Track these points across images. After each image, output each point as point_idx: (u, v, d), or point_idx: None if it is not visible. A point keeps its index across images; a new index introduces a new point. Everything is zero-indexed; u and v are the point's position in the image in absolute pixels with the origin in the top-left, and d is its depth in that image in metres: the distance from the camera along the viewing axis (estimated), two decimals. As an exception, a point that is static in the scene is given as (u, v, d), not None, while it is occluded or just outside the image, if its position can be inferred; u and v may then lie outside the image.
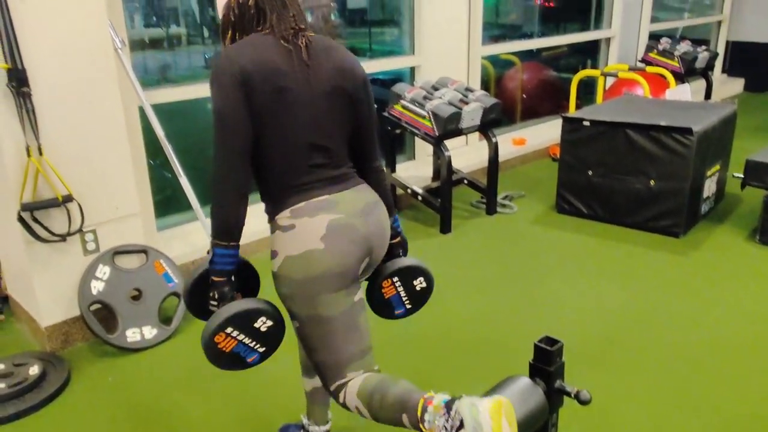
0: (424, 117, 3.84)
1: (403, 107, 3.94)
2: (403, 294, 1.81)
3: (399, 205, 4.35)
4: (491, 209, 4.26)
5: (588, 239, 3.81)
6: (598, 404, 2.31)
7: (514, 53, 5.79)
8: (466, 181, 4.35)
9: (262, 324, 1.54)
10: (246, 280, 1.69)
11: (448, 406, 1.39)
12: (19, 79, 2.41)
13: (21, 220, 2.51)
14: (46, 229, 2.59)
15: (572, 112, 5.13)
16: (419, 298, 1.86)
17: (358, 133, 1.69)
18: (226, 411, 2.36)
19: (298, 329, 1.62)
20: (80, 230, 2.68)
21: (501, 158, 4.94)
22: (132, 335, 2.76)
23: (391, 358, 2.64)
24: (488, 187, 4.23)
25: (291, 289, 1.55)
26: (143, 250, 2.90)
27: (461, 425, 1.35)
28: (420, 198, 4.05)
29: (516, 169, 5.23)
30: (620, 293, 3.15)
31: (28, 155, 2.49)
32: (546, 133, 5.74)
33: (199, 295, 1.61)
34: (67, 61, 2.56)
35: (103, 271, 2.77)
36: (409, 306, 1.85)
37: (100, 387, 2.53)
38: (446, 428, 1.37)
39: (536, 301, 3.11)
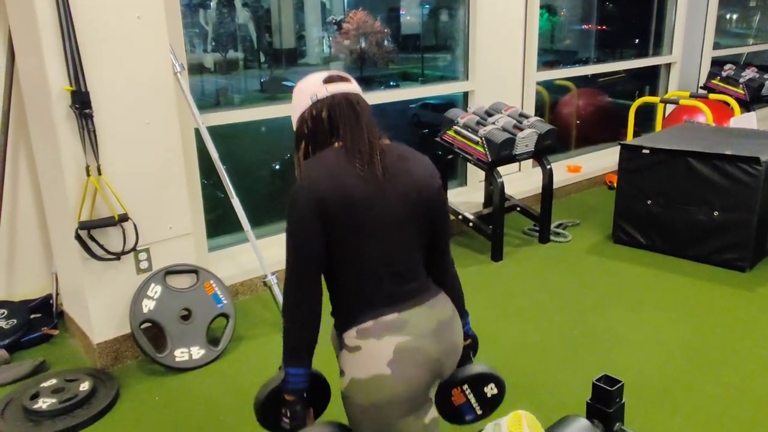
0: (477, 143, 3.79)
1: (456, 132, 3.90)
2: (473, 401, 1.74)
3: (450, 231, 4.29)
4: (544, 237, 4.15)
5: (646, 271, 3.66)
6: (658, 448, 2.18)
7: (569, 79, 5.69)
8: (518, 208, 4.26)
9: None
10: (317, 391, 1.67)
11: None
12: (82, 102, 2.48)
13: (78, 237, 2.56)
14: (101, 247, 2.64)
15: (630, 139, 5.00)
16: (491, 404, 1.77)
17: (435, 243, 1.64)
18: (270, 436, 2.33)
19: None
20: (134, 249, 2.72)
21: (555, 185, 4.85)
22: (180, 355, 2.77)
23: (439, 389, 2.56)
24: (542, 215, 4.13)
25: (357, 413, 1.51)
26: (194, 271, 2.93)
27: None
28: (471, 224, 3.98)
29: (570, 196, 5.11)
30: (681, 329, 3.00)
31: (88, 174, 2.55)
32: (602, 160, 5.61)
33: (272, 409, 1.60)
34: (129, 83, 2.62)
35: (155, 290, 2.80)
36: (480, 412, 1.77)
37: (147, 405, 2.54)
38: None
39: (591, 334, 2.99)
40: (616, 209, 4.05)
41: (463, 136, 3.87)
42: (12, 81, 2.87)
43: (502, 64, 4.64)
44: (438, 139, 4.01)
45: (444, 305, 1.60)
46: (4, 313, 2.97)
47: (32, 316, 3.06)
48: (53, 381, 2.60)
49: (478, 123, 3.90)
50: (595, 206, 4.82)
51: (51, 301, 3.16)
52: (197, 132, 3.10)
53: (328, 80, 1.58)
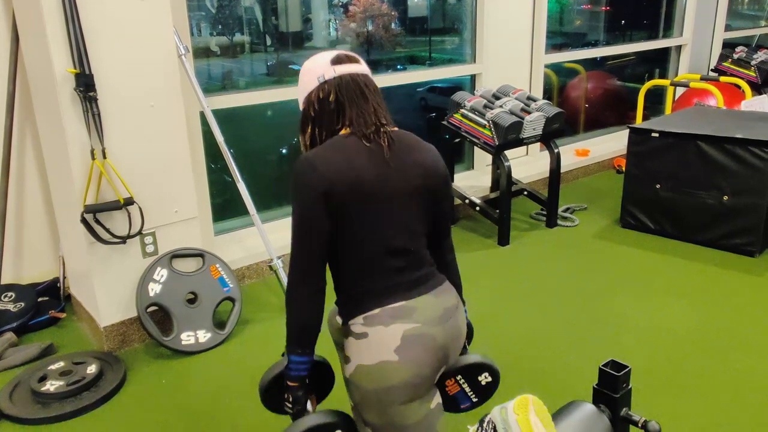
0: (484, 126, 3.76)
1: (463, 116, 3.87)
2: (468, 390, 1.74)
3: (456, 216, 4.27)
4: (552, 222, 4.13)
5: (654, 256, 3.64)
6: (665, 433, 2.17)
7: (578, 62, 5.63)
8: (525, 192, 4.23)
9: None
10: (320, 377, 1.68)
11: (482, 419, 1.33)
12: (86, 84, 2.47)
13: (84, 221, 2.56)
14: (107, 230, 2.64)
15: (639, 122, 4.95)
16: (485, 392, 1.77)
17: (436, 228, 1.63)
18: (277, 418, 2.33)
19: None
20: (140, 233, 2.72)
21: (563, 169, 4.82)
22: (186, 338, 2.78)
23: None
24: (549, 199, 4.11)
25: (363, 398, 1.50)
26: (200, 254, 2.93)
27: (495, 430, 1.29)
28: (478, 208, 3.96)
29: (578, 180, 5.07)
30: (689, 314, 2.99)
31: (93, 158, 2.54)
32: (610, 144, 5.56)
33: (275, 393, 1.61)
34: (133, 66, 2.60)
35: (161, 273, 2.80)
36: (475, 399, 1.77)
37: (153, 388, 2.55)
38: None
39: (598, 319, 2.97)
40: (625, 193, 4.02)
41: (470, 120, 3.83)
42: (17, 64, 2.85)
43: (510, 46, 4.59)
44: (445, 122, 3.98)
45: (449, 293, 1.60)
46: (11, 296, 2.98)
47: (40, 300, 3.07)
48: (61, 364, 2.61)
49: (485, 106, 3.87)
50: (603, 190, 4.78)
51: (58, 285, 3.17)
52: (202, 115, 3.09)
53: (336, 61, 1.55)
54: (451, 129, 3.95)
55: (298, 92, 1.59)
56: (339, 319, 1.61)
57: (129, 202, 2.64)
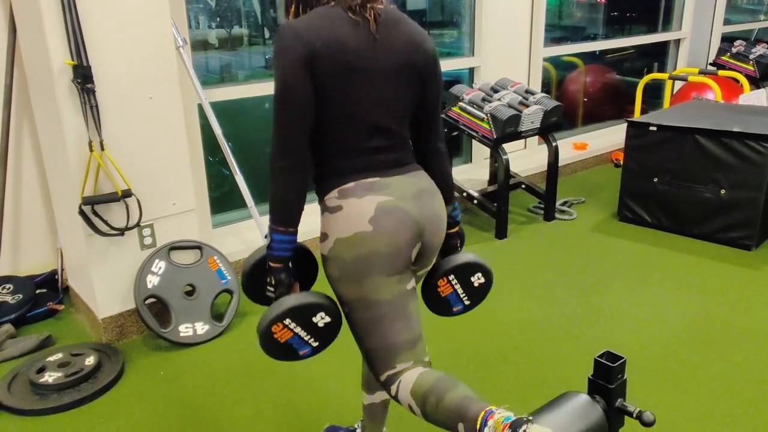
0: (482, 119, 3.76)
1: (461, 109, 3.87)
2: (460, 291, 1.73)
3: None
4: (549, 215, 4.13)
5: (651, 249, 3.65)
6: (657, 426, 2.18)
7: (577, 55, 5.63)
8: (523, 186, 4.24)
9: (321, 319, 1.51)
10: (304, 267, 1.66)
11: (514, 427, 1.29)
12: (84, 76, 2.46)
13: (82, 213, 2.56)
14: (105, 222, 2.64)
15: (637, 116, 4.95)
16: (478, 294, 1.77)
17: (424, 111, 1.62)
18: (273, 410, 2.35)
19: (347, 315, 1.57)
20: (138, 225, 2.72)
21: (561, 163, 4.83)
22: (184, 330, 2.78)
23: (441, 368, 2.57)
24: (547, 193, 4.11)
25: (340, 269, 1.50)
26: (198, 246, 2.93)
27: None
28: (476, 202, 3.96)
29: (576, 174, 5.08)
30: (685, 307, 3.00)
31: (91, 150, 2.54)
32: (609, 137, 5.57)
33: (257, 279, 1.58)
34: (131, 58, 2.60)
35: (159, 265, 2.80)
36: (467, 302, 1.77)
37: (152, 380, 2.56)
38: None
39: (594, 311, 2.99)
40: (622, 187, 4.03)
41: (468, 113, 3.83)
42: (14, 56, 2.85)
43: (508, 39, 4.59)
44: (443, 115, 3.97)
45: (424, 177, 1.60)
46: (9, 288, 2.98)
47: (38, 292, 3.08)
48: (59, 355, 2.62)
49: (483, 99, 3.87)
50: (601, 184, 4.79)
51: (56, 277, 3.17)
52: (200, 108, 3.08)
53: None
54: (449, 122, 3.95)
55: None
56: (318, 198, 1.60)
57: (127, 194, 2.65)
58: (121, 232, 2.66)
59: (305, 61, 1.41)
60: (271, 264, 1.52)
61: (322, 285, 1.68)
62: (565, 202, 4.39)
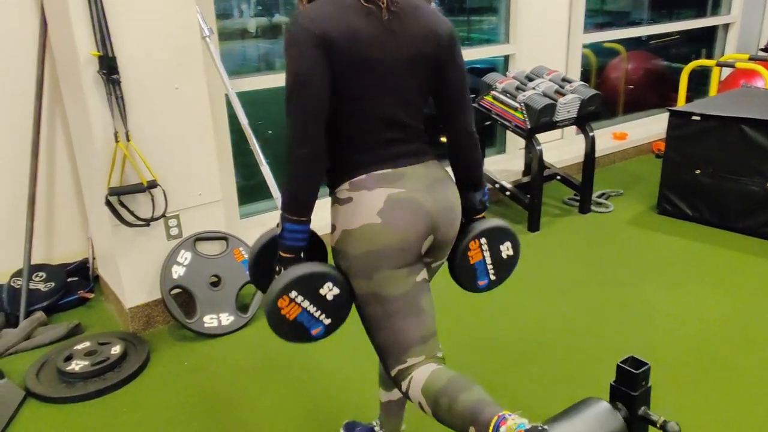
0: (515, 109, 3.66)
1: (494, 98, 3.78)
2: (488, 260, 1.67)
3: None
4: (585, 207, 4.01)
5: (691, 244, 3.50)
6: None
7: (619, 41, 5.44)
8: (558, 177, 4.12)
9: (328, 291, 1.46)
10: (314, 254, 1.61)
11: None
12: (109, 67, 2.47)
13: (108, 203, 2.58)
14: (131, 213, 2.66)
15: (681, 104, 4.77)
16: (505, 268, 1.71)
17: (447, 98, 1.56)
18: (294, 403, 2.33)
19: (358, 308, 1.54)
20: (164, 215, 2.73)
21: (599, 153, 4.69)
22: (209, 321, 2.79)
23: (463, 363, 2.51)
24: (583, 184, 3.99)
25: (349, 263, 1.47)
26: (224, 237, 2.93)
27: None
28: (508, 193, 3.87)
29: (615, 165, 4.92)
30: (724, 306, 2.86)
31: (116, 141, 2.55)
32: (650, 127, 5.37)
33: (265, 265, 1.54)
34: (156, 48, 2.59)
35: (185, 256, 2.81)
36: (493, 276, 1.71)
37: (175, 370, 2.58)
38: None
39: (627, 309, 2.88)
40: (662, 179, 3.88)
41: (502, 102, 3.74)
42: (45, 48, 2.88)
43: (545, 25, 4.45)
44: (475, 104, 3.89)
45: (438, 168, 1.56)
46: (42, 276, 3.04)
47: (69, 280, 3.13)
48: (87, 344, 2.66)
49: (517, 88, 3.76)
50: (641, 175, 4.63)
51: (87, 265, 3.22)
52: (228, 98, 3.07)
53: None
54: (482, 111, 3.86)
55: None
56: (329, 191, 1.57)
57: (152, 184, 2.65)
58: (147, 222, 2.67)
59: (319, 46, 1.37)
60: (282, 254, 1.48)
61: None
62: (602, 194, 4.25)
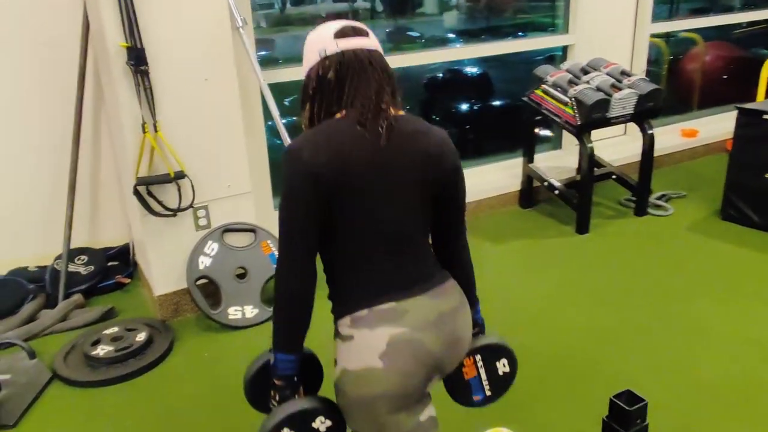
0: (566, 104, 3.46)
1: (544, 92, 3.59)
2: (484, 377, 1.61)
3: (535, 198, 4.00)
4: (641, 210, 3.77)
5: (753, 254, 3.22)
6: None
7: (696, 31, 5.06)
8: (614, 176, 3.89)
9: (321, 424, 1.44)
10: (309, 371, 1.58)
11: None
12: (138, 58, 2.49)
13: (136, 193, 2.62)
14: (160, 203, 2.68)
15: (761, 100, 4.40)
16: (501, 385, 1.64)
17: (445, 224, 1.50)
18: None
19: None
20: (191, 206, 2.74)
21: (665, 151, 4.41)
22: (233, 313, 2.79)
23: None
24: (639, 184, 3.74)
25: (349, 404, 1.41)
26: (252, 230, 2.92)
27: None
28: (557, 192, 3.68)
29: (681, 164, 4.59)
30: (783, 326, 2.61)
31: (144, 131, 2.57)
32: (724, 124, 4.96)
33: (260, 387, 1.54)
34: (185, 39, 2.60)
35: (212, 247, 2.82)
36: (489, 393, 1.64)
37: (196, 361, 2.60)
38: None
39: (672, 323, 2.67)
40: (728, 181, 3.58)
41: (552, 96, 3.55)
42: (87, 39, 2.94)
43: (609, 14, 4.18)
44: (525, 98, 3.71)
45: (449, 295, 1.45)
46: (84, 259, 3.14)
47: (109, 264, 3.21)
48: (115, 329, 2.72)
49: (570, 82, 3.56)
50: (708, 176, 4.30)
51: (128, 250, 3.30)
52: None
53: (340, 34, 1.40)
54: (531, 106, 3.68)
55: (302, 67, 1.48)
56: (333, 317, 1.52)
57: (180, 175, 2.67)
58: (174, 213, 2.70)
59: (310, 183, 1.31)
60: (276, 381, 1.45)
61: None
62: (662, 196, 3.98)
